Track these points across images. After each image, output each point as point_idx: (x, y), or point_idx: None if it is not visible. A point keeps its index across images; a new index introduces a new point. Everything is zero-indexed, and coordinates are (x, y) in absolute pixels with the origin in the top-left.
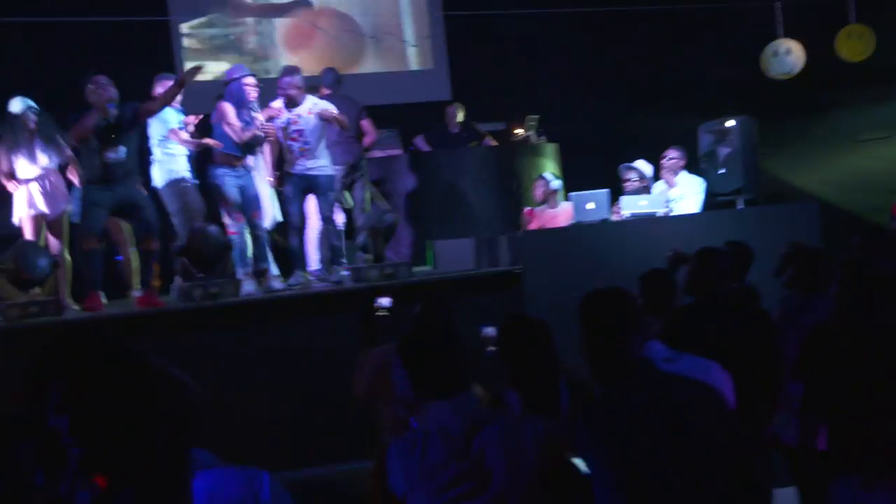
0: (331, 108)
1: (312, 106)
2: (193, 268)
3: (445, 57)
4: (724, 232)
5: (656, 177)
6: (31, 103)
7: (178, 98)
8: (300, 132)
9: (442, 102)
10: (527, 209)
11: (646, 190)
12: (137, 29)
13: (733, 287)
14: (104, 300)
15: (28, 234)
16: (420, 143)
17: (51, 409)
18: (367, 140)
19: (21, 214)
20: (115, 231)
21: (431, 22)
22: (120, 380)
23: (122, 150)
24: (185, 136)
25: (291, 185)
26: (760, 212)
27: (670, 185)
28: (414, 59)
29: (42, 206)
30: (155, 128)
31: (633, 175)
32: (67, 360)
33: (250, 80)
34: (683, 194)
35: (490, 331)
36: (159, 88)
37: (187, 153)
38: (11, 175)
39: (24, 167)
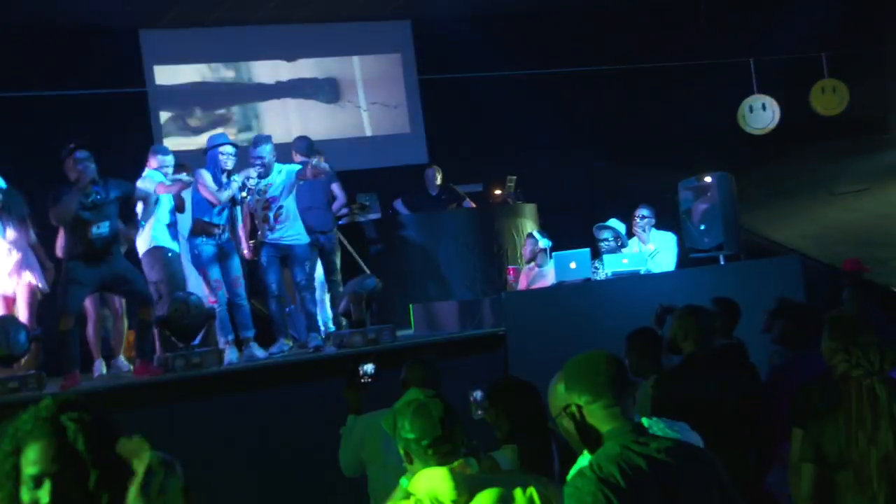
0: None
1: (282, 170)
2: (175, 338)
3: (422, 120)
4: (707, 288)
5: (629, 234)
6: None
7: (165, 163)
8: (273, 199)
9: (420, 165)
10: (510, 268)
11: (620, 248)
12: (116, 101)
13: (722, 343)
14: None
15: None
16: (399, 206)
17: (27, 482)
18: (335, 205)
19: None
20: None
21: (407, 85)
22: (102, 450)
23: (104, 226)
24: (167, 183)
25: (267, 254)
26: (742, 267)
27: (643, 242)
28: (391, 123)
29: (7, 289)
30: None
31: (607, 234)
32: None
33: (227, 148)
34: (658, 250)
35: (479, 394)
36: (153, 161)
37: (168, 221)
38: None
39: None
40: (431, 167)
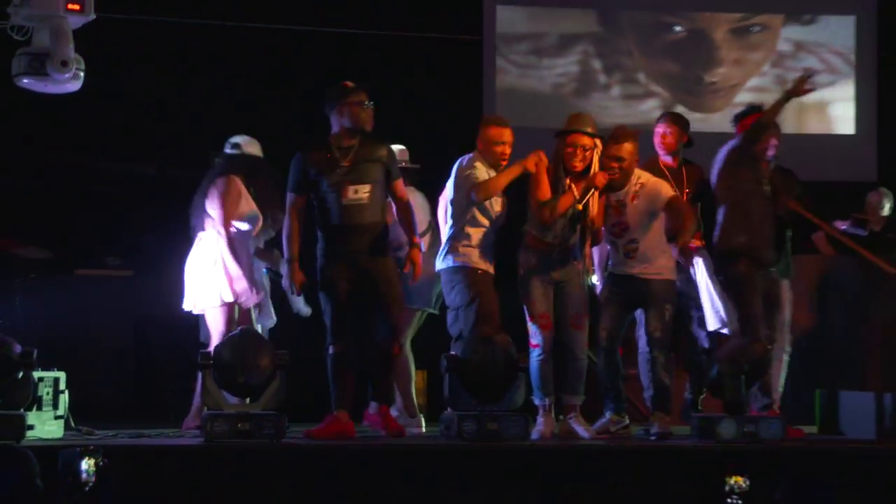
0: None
1: (639, 188)
2: (468, 392)
3: (875, 122)
4: None
5: None
6: None
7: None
8: (623, 227)
9: (863, 185)
10: None
11: None
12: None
13: None
14: None
15: None
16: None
17: None
18: None
19: None
20: None
21: (859, 62)
22: None
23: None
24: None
25: (610, 289)
26: None
27: None
28: (824, 118)
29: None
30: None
31: None
32: None
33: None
34: None
35: None
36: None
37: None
38: None
39: None
40: (877, 191)
